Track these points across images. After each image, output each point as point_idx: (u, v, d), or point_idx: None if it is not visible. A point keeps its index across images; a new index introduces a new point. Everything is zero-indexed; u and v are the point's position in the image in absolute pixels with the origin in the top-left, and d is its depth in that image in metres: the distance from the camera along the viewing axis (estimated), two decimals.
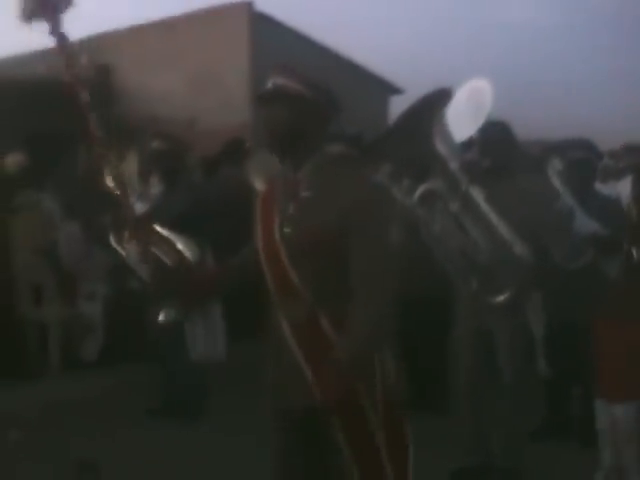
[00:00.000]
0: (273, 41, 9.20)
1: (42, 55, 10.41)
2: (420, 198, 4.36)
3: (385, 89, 11.11)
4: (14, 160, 7.29)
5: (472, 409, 4.57)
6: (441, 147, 4.15)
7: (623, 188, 5.62)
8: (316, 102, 2.81)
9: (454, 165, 4.14)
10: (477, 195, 4.14)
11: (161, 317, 3.04)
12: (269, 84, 2.84)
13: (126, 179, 5.69)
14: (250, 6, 9.70)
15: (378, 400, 2.73)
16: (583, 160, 4.94)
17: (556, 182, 4.81)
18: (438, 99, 4.18)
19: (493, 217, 4.10)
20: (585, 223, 4.68)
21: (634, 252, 4.47)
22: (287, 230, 2.79)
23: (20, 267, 7.17)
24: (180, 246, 5.66)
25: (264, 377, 2.95)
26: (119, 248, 5.68)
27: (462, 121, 4.88)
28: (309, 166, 2.83)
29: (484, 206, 4.12)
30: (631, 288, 4.42)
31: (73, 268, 7.41)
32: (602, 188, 5.60)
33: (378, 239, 2.78)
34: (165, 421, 5.58)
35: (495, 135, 4.51)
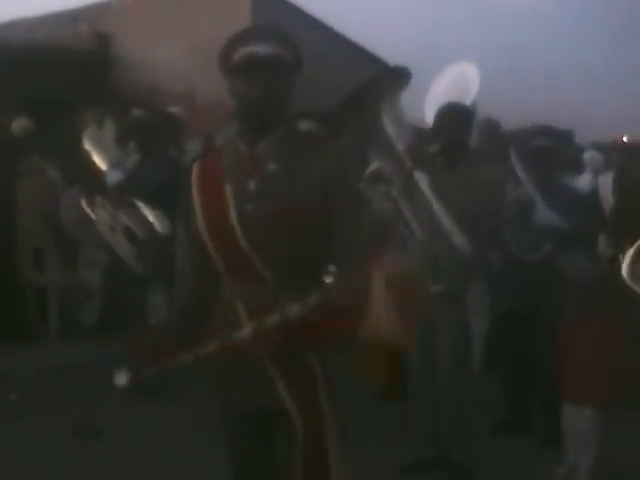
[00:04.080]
0: (275, 17, 9.07)
1: (43, 21, 10.60)
2: (367, 179, 4.24)
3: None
4: (20, 125, 7.33)
5: (420, 401, 4.43)
6: (390, 128, 4.03)
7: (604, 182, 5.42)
8: (292, 68, 2.60)
9: (401, 147, 4.02)
10: (421, 180, 4.00)
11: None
12: (254, 51, 2.54)
13: (103, 145, 5.85)
14: None
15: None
16: (546, 148, 4.73)
17: (519, 170, 4.62)
18: (390, 78, 4.07)
19: (435, 205, 3.95)
20: (545, 215, 4.50)
21: (609, 247, 4.33)
22: (249, 208, 2.57)
23: (22, 232, 7.28)
24: (151, 218, 5.72)
25: (211, 367, 2.76)
26: (90, 212, 5.73)
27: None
28: (270, 141, 2.60)
29: (427, 192, 3.98)
30: (603, 289, 4.26)
31: (73, 234, 7.48)
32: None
33: (360, 214, 2.68)
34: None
35: (449, 117, 4.28)
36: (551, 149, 4.77)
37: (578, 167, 6.53)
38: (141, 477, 4.32)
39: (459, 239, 3.91)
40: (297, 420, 2.59)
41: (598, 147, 6.83)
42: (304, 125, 5.03)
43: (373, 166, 4.24)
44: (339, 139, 5.06)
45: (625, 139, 7.73)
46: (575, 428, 4.22)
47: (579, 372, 4.13)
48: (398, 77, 4.02)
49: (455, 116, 4.30)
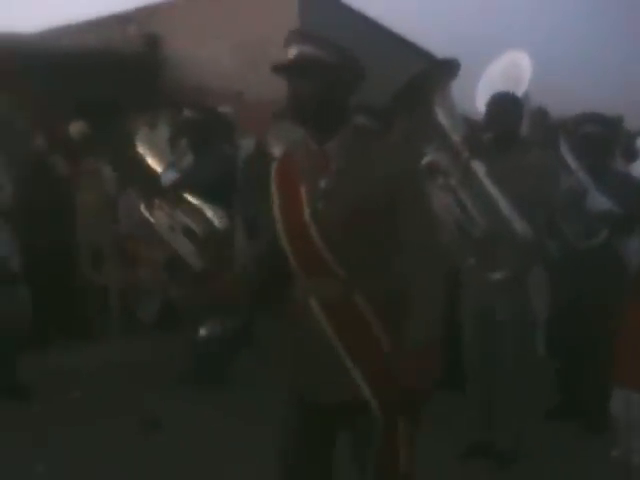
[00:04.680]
0: (322, 14, 9.11)
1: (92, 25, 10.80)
2: (422, 172, 4.29)
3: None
4: (77, 128, 7.56)
5: (473, 388, 4.46)
6: (443, 119, 4.08)
7: None
8: (342, 69, 2.67)
9: (456, 138, 4.07)
10: (478, 169, 4.03)
11: (202, 332, 2.84)
12: (293, 53, 2.68)
13: (157, 147, 5.95)
14: None
15: None
16: (596, 135, 4.72)
17: (570, 157, 4.64)
18: (441, 70, 4.11)
19: (494, 192, 4.00)
20: (599, 201, 4.51)
21: None
22: (320, 206, 2.64)
23: (83, 232, 7.47)
24: (209, 215, 5.82)
25: (285, 365, 2.84)
26: (148, 215, 5.85)
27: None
28: (340, 138, 2.68)
29: (485, 181, 4.02)
30: None
31: (131, 234, 7.65)
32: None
33: (428, 210, 2.77)
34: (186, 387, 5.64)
35: (501, 107, 4.31)
36: (601, 136, 4.75)
37: (633, 153, 6.49)
38: (206, 471, 4.39)
39: (519, 225, 3.94)
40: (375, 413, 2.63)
41: None
42: (357, 120, 5.08)
43: (427, 158, 4.31)
44: (394, 133, 5.12)
45: None
46: (626, 413, 4.23)
47: (631, 357, 4.14)
48: (449, 68, 4.07)
49: (506, 106, 4.33)
